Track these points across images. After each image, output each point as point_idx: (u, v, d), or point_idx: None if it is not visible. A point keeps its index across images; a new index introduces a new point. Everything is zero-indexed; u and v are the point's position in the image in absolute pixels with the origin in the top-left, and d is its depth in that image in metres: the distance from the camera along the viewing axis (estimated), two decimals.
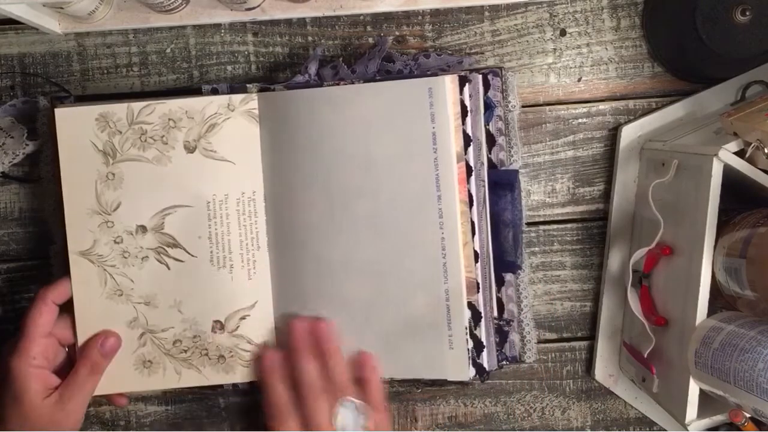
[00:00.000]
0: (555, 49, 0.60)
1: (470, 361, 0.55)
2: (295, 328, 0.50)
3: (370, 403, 0.48)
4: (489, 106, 0.56)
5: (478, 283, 0.55)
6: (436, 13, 0.59)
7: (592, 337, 0.62)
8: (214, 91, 0.56)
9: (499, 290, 0.57)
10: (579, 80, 0.60)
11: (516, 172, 0.57)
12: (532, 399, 0.62)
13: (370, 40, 0.59)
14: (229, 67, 0.59)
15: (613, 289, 0.60)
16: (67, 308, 0.54)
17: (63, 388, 0.51)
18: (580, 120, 0.60)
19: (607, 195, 0.61)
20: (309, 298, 0.55)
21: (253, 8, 0.56)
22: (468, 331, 0.54)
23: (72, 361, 0.54)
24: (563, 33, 0.59)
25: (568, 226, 0.61)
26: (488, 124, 0.56)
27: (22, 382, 0.50)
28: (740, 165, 0.48)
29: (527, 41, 0.59)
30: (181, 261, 0.55)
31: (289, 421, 0.44)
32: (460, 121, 0.54)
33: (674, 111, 0.59)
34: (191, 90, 0.57)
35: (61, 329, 0.53)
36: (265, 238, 0.55)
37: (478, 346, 0.55)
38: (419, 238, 0.53)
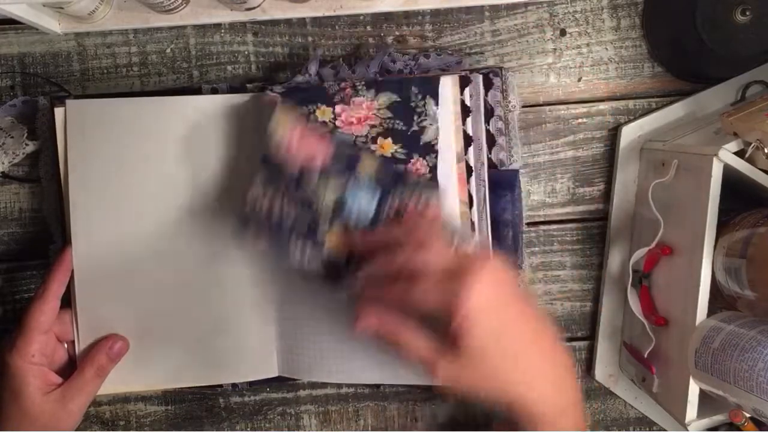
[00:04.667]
0: (555, 49, 0.60)
1: None
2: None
3: None
4: (489, 106, 0.56)
5: None
6: (436, 13, 0.59)
7: (592, 337, 0.62)
8: (214, 91, 0.56)
9: None
10: (579, 80, 0.60)
11: (516, 172, 0.57)
12: None
13: (370, 40, 0.59)
14: (229, 67, 0.59)
15: (613, 289, 0.60)
16: (65, 304, 0.53)
17: (66, 387, 0.52)
18: (580, 120, 0.60)
19: (607, 195, 0.61)
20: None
21: (253, 8, 0.56)
22: None
23: (71, 359, 0.54)
24: (563, 33, 0.59)
25: (568, 226, 0.61)
26: (488, 124, 0.56)
27: (22, 379, 0.50)
28: (740, 165, 0.48)
29: (527, 41, 0.59)
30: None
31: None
32: (460, 122, 0.54)
33: (674, 111, 0.59)
34: (191, 90, 0.57)
35: (60, 325, 0.53)
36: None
37: None
38: None
